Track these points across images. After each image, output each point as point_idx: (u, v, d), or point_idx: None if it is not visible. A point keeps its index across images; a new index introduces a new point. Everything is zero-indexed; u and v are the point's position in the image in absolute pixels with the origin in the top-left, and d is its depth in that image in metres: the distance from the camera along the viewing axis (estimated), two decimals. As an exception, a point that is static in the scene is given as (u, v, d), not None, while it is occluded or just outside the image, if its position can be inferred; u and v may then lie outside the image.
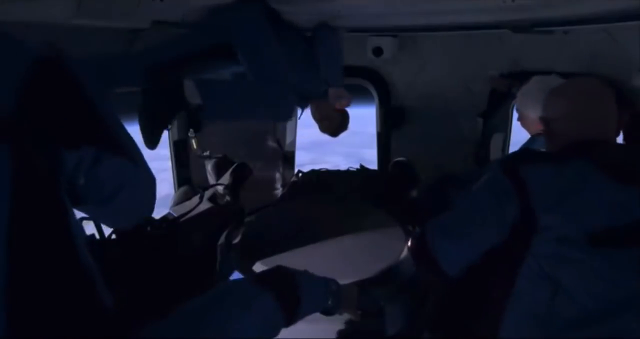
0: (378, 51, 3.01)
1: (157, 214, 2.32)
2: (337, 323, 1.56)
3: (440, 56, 3.13)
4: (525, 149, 1.57)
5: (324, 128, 2.81)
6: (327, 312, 1.46)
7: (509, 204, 1.29)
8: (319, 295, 1.39)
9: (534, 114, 2.10)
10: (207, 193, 2.40)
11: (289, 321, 1.20)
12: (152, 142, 2.06)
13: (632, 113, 2.32)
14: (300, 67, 2.51)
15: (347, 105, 2.70)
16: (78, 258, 0.85)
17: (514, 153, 1.47)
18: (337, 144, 9.48)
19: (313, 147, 10.62)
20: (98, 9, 1.96)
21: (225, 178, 2.43)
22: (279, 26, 2.39)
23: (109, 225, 1.07)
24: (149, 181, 1.06)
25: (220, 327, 1.04)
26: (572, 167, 1.28)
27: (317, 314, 1.50)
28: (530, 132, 2.29)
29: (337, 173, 2.90)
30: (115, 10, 2.07)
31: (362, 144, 3.82)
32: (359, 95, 3.39)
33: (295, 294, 1.22)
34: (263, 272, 1.28)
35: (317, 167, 2.97)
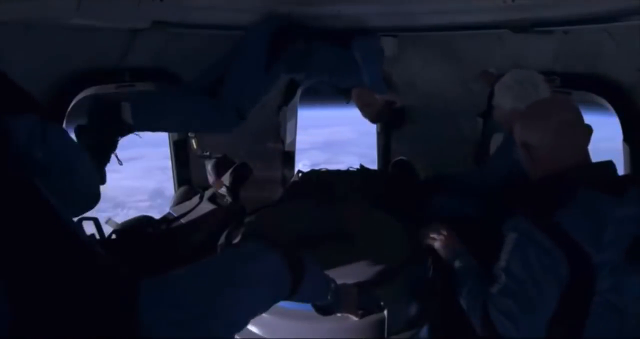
0: (378, 51, 3.01)
1: (157, 214, 2.32)
2: (337, 323, 1.56)
3: (440, 56, 3.12)
4: (533, 197, 1.47)
5: (365, 114, 2.97)
6: (326, 309, 1.47)
7: (558, 259, 1.27)
8: (322, 281, 1.42)
9: (507, 106, 2.13)
10: (207, 193, 2.40)
11: (295, 284, 1.23)
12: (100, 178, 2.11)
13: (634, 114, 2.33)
14: (334, 71, 2.70)
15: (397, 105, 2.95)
16: (56, 215, 0.87)
17: (532, 206, 1.39)
18: (351, 145, 9.80)
19: (327, 148, 10.71)
20: (98, 9, 1.96)
21: (226, 178, 2.43)
22: (301, 38, 2.53)
23: (74, 208, 1.08)
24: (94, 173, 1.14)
25: (234, 272, 1.11)
26: (586, 200, 1.31)
27: (317, 314, 1.51)
28: (502, 124, 2.29)
29: (337, 173, 2.90)
30: (115, 10, 2.07)
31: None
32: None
33: (300, 261, 1.25)
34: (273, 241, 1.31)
35: (331, 167, 3.02)
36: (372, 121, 3.05)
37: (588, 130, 1.47)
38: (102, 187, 2.14)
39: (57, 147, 0.96)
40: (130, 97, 2.16)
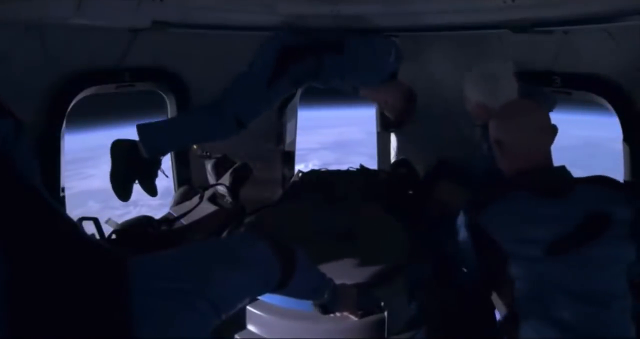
0: (378, 51, 3.01)
1: (157, 214, 2.33)
2: (336, 323, 1.56)
3: (440, 56, 3.12)
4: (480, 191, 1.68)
5: (388, 114, 3.11)
6: (324, 308, 1.47)
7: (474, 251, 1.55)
8: (316, 277, 1.43)
9: (471, 98, 2.21)
10: (207, 193, 2.40)
11: (285, 274, 1.24)
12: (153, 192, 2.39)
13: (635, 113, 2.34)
14: (348, 74, 2.73)
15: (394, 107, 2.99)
16: (59, 213, 0.89)
17: (474, 199, 1.60)
18: (360, 145, 9.88)
19: (337, 148, 10.76)
20: (98, 9, 1.96)
21: (225, 178, 2.43)
22: (310, 53, 2.56)
23: None
24: None
25: (224, 252, 1.14)
26: (515, 199, 1.48)
27: (317, 314, 1.51)
28: (472, 116, 2.36)
29: (337, 173, 2.90)
30: (115, 10, 2.07)
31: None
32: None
33: (290, 253, 1.27)
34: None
35: (341, 167, 3.05)
36: (388, 114, 3.15)
37: (553, 130, 1.57)
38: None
39: (24, 155, 1.00)
40: (137, 131, 2.30)
